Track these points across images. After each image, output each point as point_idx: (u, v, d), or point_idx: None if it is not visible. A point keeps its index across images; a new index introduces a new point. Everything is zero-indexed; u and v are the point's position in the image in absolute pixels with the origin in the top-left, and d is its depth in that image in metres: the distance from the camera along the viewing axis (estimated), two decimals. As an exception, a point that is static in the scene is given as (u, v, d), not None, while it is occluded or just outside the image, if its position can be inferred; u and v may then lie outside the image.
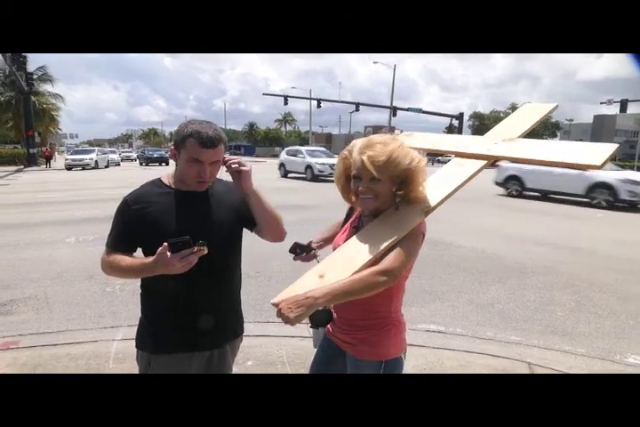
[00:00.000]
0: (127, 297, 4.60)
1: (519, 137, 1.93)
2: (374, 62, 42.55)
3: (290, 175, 21.56)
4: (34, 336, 3.79)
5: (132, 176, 19.95)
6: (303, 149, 22.18)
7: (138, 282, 1.78)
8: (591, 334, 4.11)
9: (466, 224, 9.17)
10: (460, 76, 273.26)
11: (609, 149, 1.64)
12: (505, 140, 1.89)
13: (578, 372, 3.26)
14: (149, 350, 1.73)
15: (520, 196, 14.78)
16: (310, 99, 43.47)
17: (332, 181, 1.90)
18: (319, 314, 1.51)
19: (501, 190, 15.51)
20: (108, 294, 4.84)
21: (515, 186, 15.10)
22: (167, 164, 33.13)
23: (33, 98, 34.15)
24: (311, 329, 1.83)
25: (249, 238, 1.89)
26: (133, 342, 1.79)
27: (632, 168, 28.53)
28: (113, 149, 50.37)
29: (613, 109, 36.51)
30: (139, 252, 1.69)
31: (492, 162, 1.89)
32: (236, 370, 2.00)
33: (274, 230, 1.81)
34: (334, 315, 1.73)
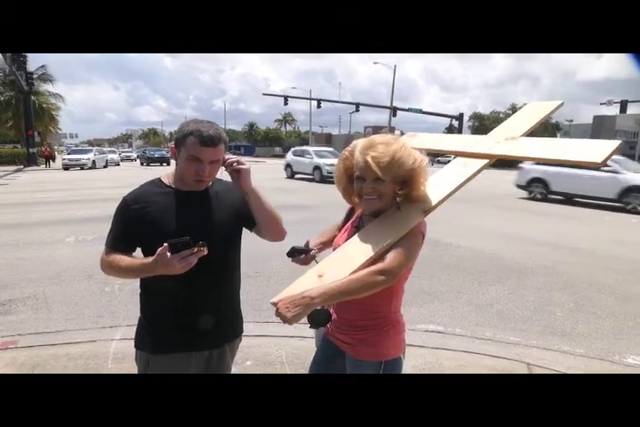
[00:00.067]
0: (126, 297, 4.60)
1: (523, 135, 1.92)
2: (374, 63, 42.56)
3: (297, 176, 21.03)
4: (32, 336, 3.79)
5: (132, 176, 19.95)
6: (311, 149, 21.66)
7: (137, 282, 1.78)
8: (590, 334, 4.11)
9: (466, 225, 9.18)
10: (460, 76, 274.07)
11: (611, 145, 1.63)
12: (507, 139, 1.89)
13: (577, 372, 3.26)
14: (148, 349, 1.73)
15: (545, 199, 14.05)
16: (310, 99, 43.47)
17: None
18: (318, 314, 1.51)
19: (523, 193, 14.86)
20: (106, 293, 4.84)
21: (538, 189, 14.34)
22: (168, 164, 32.99)
23: (33, 97, 34.13)
24: (313, 329, 1.83)
25: (248, 238, 1.89)
26: (132, 341, 1.79)
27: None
28: (113, 149, 50.27)
29: (613, 110, 36.59)
30: (138, 251, 1.69)
31: (494, 161, 1.88)
32: (234, 370, 2.00)
33: (273, 230, 1.81)
34: (334, 315, 1.74)
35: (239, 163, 1.69)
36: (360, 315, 1.67)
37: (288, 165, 21.86)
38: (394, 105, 39.66)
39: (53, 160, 32.95)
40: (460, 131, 38.16)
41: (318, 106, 38.48)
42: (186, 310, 1.71)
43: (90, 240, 7.09)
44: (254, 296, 4.45)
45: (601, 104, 36.36)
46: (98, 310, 4.39)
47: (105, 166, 31.89)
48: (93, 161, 29.49)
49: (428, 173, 1.65)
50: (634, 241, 8.12)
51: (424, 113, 38.66)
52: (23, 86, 31.51)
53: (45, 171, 28.33)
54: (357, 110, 40.54)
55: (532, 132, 1.97)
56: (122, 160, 41.66)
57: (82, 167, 28.38)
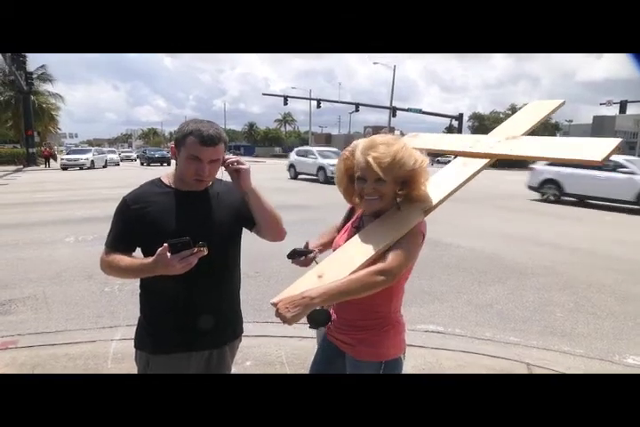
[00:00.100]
0: (126, 297, 4.60)
1: (524, 134, 1.92)
2: (374, 63, 42.59)
3: (300, 177, 20.57)
4: (32, 336, 3.79)
5: (132, 176, 19.94)
6: (314, 149, 21.20)
7: (137, 282, 1.78)
8: (590, 334, 4.11)
9: (466, 225, 9.18)
10: (460, 76, 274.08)
11: (611, 143, 1.62)
12: (508, 139, 1.88)
13: (576, 373, 3.26)
14: (148, 350, 1.73)
15: (558, 201, 13.56)
16: (310, 99, 43.48)
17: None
18: (317, 314, 1.51)
19: (535, 195, 14.37)
20: (106, 293, 4.83)
21: (551, 190, 13.85)
22: (169, 164, 32.90)
23: (32, 97, 34.13)
24: (313, 329, 1.83)
25: (248, 238, 1.89)
26: (132, 342, 1.79)
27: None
28: (112, 149, 50.21)
29: (613, 110, 36.61)
30: (138, 252, 1.69)
31: (494, 161, 1.88)
32: (234, 370, 2.00)
33: (273, 230, 1.80)
34: (333, 315, 1.74)
35: (239, 163, 1.69)
36: (360, 315, 1.67)
37: (291, 166, 21.41)
38: (393, 105, 39.67)
39: (55, 159, 32.92)
40: (459, 131, 38.16)
41: (318, 106, 38.48)
42: (186, 310, 1.71)
43: (90, 240, 7.09)
44: (254, 296, 4.44)
45: (600, 104, 36.48)
46: (98, 311, 4.39)
47: (104, 166, 31.82)
48: (92, 161, 29.40)
49: (429, 174, 1.65)
50: (634, 241, 8.12)
51: (424, 113, 38.66)
52: (23, 86, 31.51)
53: (45, 171, 28.32)
54: (357, 110, 40.56)
55: (533, 132, 1.97)
56: (122, 160, 41.57)
57: (81, 167, 28.35)
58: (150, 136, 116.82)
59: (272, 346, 3.58)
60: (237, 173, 1.69)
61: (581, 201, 13.51)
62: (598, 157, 1.58)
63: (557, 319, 4.45)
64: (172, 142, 1.69)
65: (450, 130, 41.18)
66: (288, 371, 3.21)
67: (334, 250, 1.73)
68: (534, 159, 2.05)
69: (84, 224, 8.47)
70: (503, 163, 38.17)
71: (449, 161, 2.05)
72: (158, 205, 1.67)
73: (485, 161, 1.85)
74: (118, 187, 13.11)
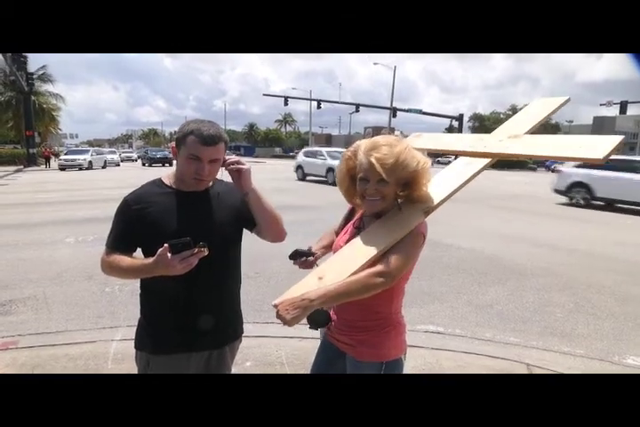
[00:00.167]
0: (126, 297, 4.59)
1: (527, 132, 1.91)
2: (374, 63, 42.66)
3: (308, 178, 19.95)
4: (32, 336, 3.78)
5: (132, 176, 19.95)
6: (323, 150, 20.61)
7: (137, 282, 1.78)
8: (590, 335, 4.11)
9: (466, 226, 9.18)
10: (460, 77, 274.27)
11: (613, 141, 1.60)
12: (510, 137, 1.87)
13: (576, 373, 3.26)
14: (148, 350, 1.73)
15: (588, 206, 12.94)
16: (310, 100, 43.48)
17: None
18: (317, 315, 1.51)
19: (562, 198, 13.87)
20: (107, 294, 4.83)
21: (580, 194, 13.21)
22: (171, 164, 32.79)
23: (33, 98, 34.16)
24: (313, 329, 1.83)
25: (248, 239, 1.89)
26: (132, 342, 1.79)
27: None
28: (113, 150, 50.11)
29: (613, 111, 36.60)
30: (139, 252, 1.69)
31: (495, 161, 1.87)
32: (234, 371, 2.00)
33: (273, 230, 1.80)
34: (334, 316, 1.73)
35: (239, 163, 1.69)
36: (361, 316, 1.67)
37: (299, 167, 20.76)
38: (394, 106, 39.70)
39: (57, 158, 32.87)
40: (460, 131, 38.14)
41: (318, 106, 38.48)
42: (186, 311, 1.70)
43: (90, 241, 7.09)
44: (254, 297, 4.45)
45: (601, 105, 36.40)
46: (98, 311, 4.39)
47: (103, 167, 31.76)
48: (90, 162, 29.33)
49: (431, 175, 1.65)
50: (633, 242, 8.12)
51: (424, 114, 38.66)
52: (23, 87, 31.55)
53: (45, 171, 28.33)
54: (357, 111, 40.60)
55: (534, 132, 1.96)
56: (122, 161, 41.51)
57: (80, 168, 28.31)
58: (150, 137, 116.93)
59: (272, 347, 3.58)
60: (238, 174, 1.69)
61: (609, 205, 12.98)
62: (600, 154, 1.57)
63: (557, 320, 4.45)
64: (173, 142, 1.69)
65: (450, 130, 41.16)
66: (288, 371, 3.21)
67: (335, 251, 1.73)
68: (535, 158, 2.04)
69: (85, 225, 8.47)
70: (503, 163, 38.26)
71: (449, 162, 2.05)
72: (159, 205, 1.67)
73: (487, 161, 1.84)
74: (119, 187, 13.12)
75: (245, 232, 1.83)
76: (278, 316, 1.43)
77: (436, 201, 1.68)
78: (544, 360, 3.52)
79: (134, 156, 48.97)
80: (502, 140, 1.88)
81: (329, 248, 1.88)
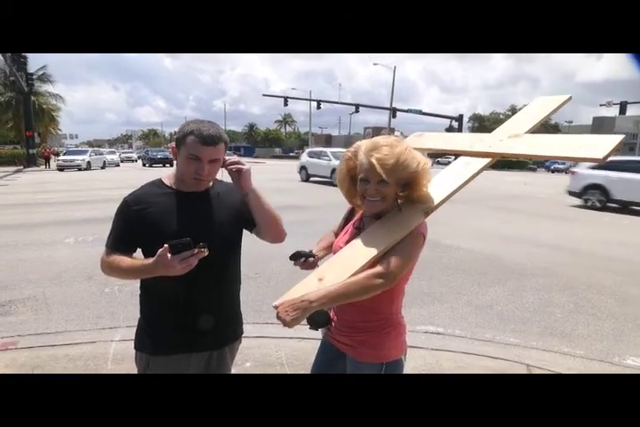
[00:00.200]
0: (126, 298, 4.59)
1: (528, 131, 1.90)
2: (374, 64, 42.70)
3: (312, 179, 19.50)
4: (32, 337, 3.78)
5: (132, 177, 19.93)
6: (328, 150, 20.06)
7: (137, 283, 1.78)
8: (590, 335, 4.11)
9: (465, 226, 9.18)
10: (460, 77, 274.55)
11: (613, 140, 1.58)
12: (510, 137, 1.87)
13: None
14: (148, 351, 1.73)
15: (604, 208, 12.55)
16: (310, 100, 43.49)
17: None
18: (317, 316, 1.51)
19: (575, 201, 13.50)
20: (106, 294, 4.83)
21: (596, 197, 12.85)
22: (172, 165, 32.47)
23: (33, 98, 34.17)
24: (316, 330, 1.82)
25: (248, 240, 1.88)
26: (132, 343, 1.79)
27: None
28: (112, 150, 50.11)
29: (613, 111, 36.65)
30: (139, 252, 1.69)
31: (495, 160, 1.87)
32: (234, 371, 2.00)
33: (273, 231, 1.80)
34: (334, 317, 1.73)
35: (239, 163, 1.69)
36: (361, 317, 1.67)
37: (303, 168, 20.35)
38: (393, 106, 39.72)
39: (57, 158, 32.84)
40: (459, 131, 38.15)
41: (318, 107, 38.48)
42: (186, 311, 1.70)
43: (90, 241, 7.08)
44: (254, 297, 4.44)
45: (600, 105, 36.47)
46: (98, 311, 4.39)
47: (102, 167, 31.66)
48: (88, 162, 29.20)
49: (431, 175, 1.65)
50: (633, 242, 8.12)
51: (423, 114, 38.65)
52: (23, 87, 31.55)
53: (45, 172, 28.32)
54: (357, 111, 40.57)
55: (535, 132, 1.95)
56: (122, 161, 41.43)
57: (79, 168, 28.24)
58: (150, 137, 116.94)
59: (272, 347, 3.58)
60: (238, 174, 1.68)
61: (625, 207, 12.64)
62: (600, 154, 1.56)
63: (557, 320, 4.45)
64: (173, 142, 1.69)
65: (450, 131, 41.14)
66: (288, 372, 3.20)
67: (334, 252, 1.73)
68: (535, 158, 2.04)
69: (84, 225, 8.47)
70: (502, 164, 38.29)
71: (449, 162, 2.04)
72: (159, 205, 1.67)
73: (487, 161, 1.83)
74: (118, 188, 13.13)
75: (245, 233, 1.83)
76: (278, 317, 1.43)
77: (436, 201, 1.68)
78: (544, 361, 3.52)
79: (134, 156, 48.89)
80: (503, 140, 1.87)
81: (329, 249, 1.87)
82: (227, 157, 1.68)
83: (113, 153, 40.97)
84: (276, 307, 1.46)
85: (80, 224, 8.70)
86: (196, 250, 1.46)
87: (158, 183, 1.76)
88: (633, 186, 12.07)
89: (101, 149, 44.83)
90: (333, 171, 17.91)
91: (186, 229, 1.59)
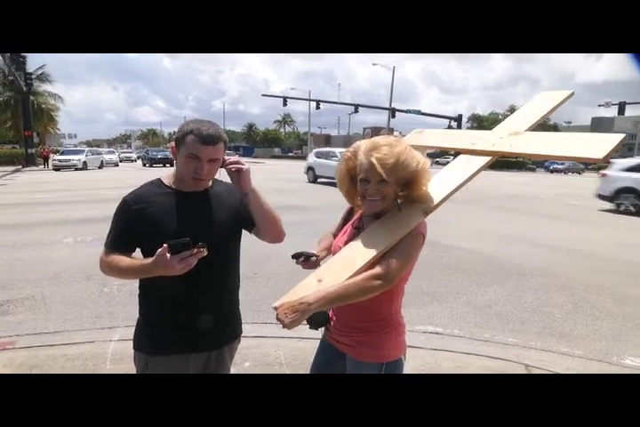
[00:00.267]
0: (125, 298, 4.59)
1: (529, 128, 1.88)
2: (373, 64, 42.69)
3: (320, 180, 18.80)
4: (30, 337, 3.77)
5: (131, 177, 19.91)
6: (337, 150, 19.15)
7: (135, 283, 1.78)
8: (588, 336, 4.12)
9: (465, 226, 9.18)
10: (460, 78, 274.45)
11: (614, 140, 1.57)
12: (511, 135, 1.85)
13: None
14: (147, 351, 1.72)
15: (638, 213, 11.72)
16: (309, 100, 43.49)
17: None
18: (317, 315, 1.51)
19: (605, 205, 12.73)
20: (105, 294, 4.83)
21: (630, 200, 11.97)
22: (172, 165, 32.35)
23: (32, 98, 34.13)
24: (316, 330, 1.82)
25: (247, 239, 1.88)
26: (130, 342, 1.79)
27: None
28: (111, 150, 50.01)
29: (611, 112, 36.70)
30: (138, 252, 1.69)
31: (495, 159, 1.86)
32: (233, 371, 2.00)
33: (272, 231, 1.80)
34: (333, 317, 1.73)
35: (239, 163, 1.69)
36: (360, 317, 1.67)
37: (310, 169, 19.74)
38: (393, 106, 39.72)
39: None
40: (458, 132, 38.04)
41: (317, 107, 38.48)
42: (185, 311, 1.70)
43: (89, 241, 7.07)
44: (253, 297, 4.44)
45: (599, 106, 36.49)
46: (96, 311, 4.38)
47: (99, 167, 31.55)
48: (84, 162, 29.07)
49: (431, 175, 1.65)
50: (633, 243, 8.12)
51: (423, 114, 38.61)
52: (22, 87, 31.51)
53: (44, 171, 28.27)
54: (356, 111, 40.57)
55: (534, 130, 1.93)
56: (121, 161, 41.34)
57: (74, 168, 28.08)
58: (149, 137, 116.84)
59: (271, 347, 3.58)
60: (238, 174, 1.68)
61: None
62: (600, 154, 1.54)
63: (556, 320, 4.45)
64: (173, 142, 1.69)
65: (449, 131, 41.04)
66: (287, 372, 3.20)
67: (333, 252, 1.73)
68: (534, 158, 2.03)
69: (83, 225, 8.45)
70: (502, 164, 38.31)
71: (448, 162, 2.04)
72: (159, 205, 1.67)
73: (486, 160, 1.82)
74: (117, 188, 13.11)
75: (244, 233, 1.83)
76: (278, 319, 1.44)
77: (435, 201, 1.67)
78: (543, 361, 3.52)
79: (133, 156, 48.75)
80: (503, 138, 1.86)
81: (329, 250, 1.88)
82: (226, 157, 1.68)
83: (112, 153, 40.88)
84: (275, 308, 1.46)
85: (79, 224, 8.69)
86: (196, 250, 1.46)
87: (158, 183, 1.75)
88: None
89: (99, 149, 44.73)
90: None
91: (185, 229, 1.59)
